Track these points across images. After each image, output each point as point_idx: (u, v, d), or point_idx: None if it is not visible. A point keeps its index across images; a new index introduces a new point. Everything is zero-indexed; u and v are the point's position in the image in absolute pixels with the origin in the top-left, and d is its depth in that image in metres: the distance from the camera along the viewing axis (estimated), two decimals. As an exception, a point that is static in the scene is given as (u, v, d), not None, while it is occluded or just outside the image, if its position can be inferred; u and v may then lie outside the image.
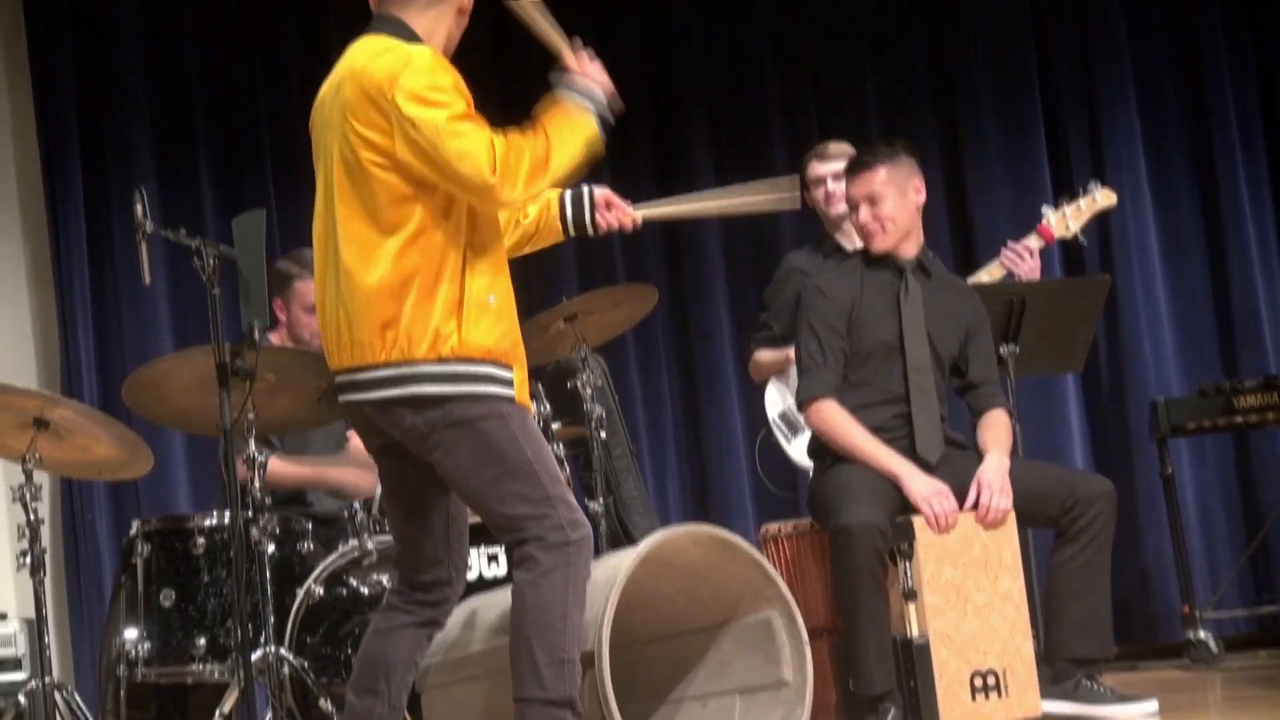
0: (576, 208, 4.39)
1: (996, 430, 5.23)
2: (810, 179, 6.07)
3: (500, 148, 3.86)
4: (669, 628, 4.87)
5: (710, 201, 4.79)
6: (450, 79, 3.91)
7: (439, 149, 3.84)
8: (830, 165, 6.01)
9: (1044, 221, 6.05)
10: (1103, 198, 6.12)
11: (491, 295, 3.96)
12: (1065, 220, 6.06)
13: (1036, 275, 5.99)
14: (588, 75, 4.09)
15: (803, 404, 5.25)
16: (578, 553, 3.92)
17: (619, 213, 4.44)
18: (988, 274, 6.04)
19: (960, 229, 7.92)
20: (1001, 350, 5.68)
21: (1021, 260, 5.95)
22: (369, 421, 4.05)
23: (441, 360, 3.89)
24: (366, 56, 3.97)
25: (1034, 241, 6.00)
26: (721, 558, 4.69)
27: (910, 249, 5.33)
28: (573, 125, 4.02)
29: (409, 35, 4.02)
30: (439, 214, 3.93)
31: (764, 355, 6.16)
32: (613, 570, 4.43)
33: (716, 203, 4.76)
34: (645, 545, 4.51)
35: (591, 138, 4.04)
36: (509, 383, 3.97)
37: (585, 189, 4.37)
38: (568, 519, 3.93)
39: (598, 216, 4.39)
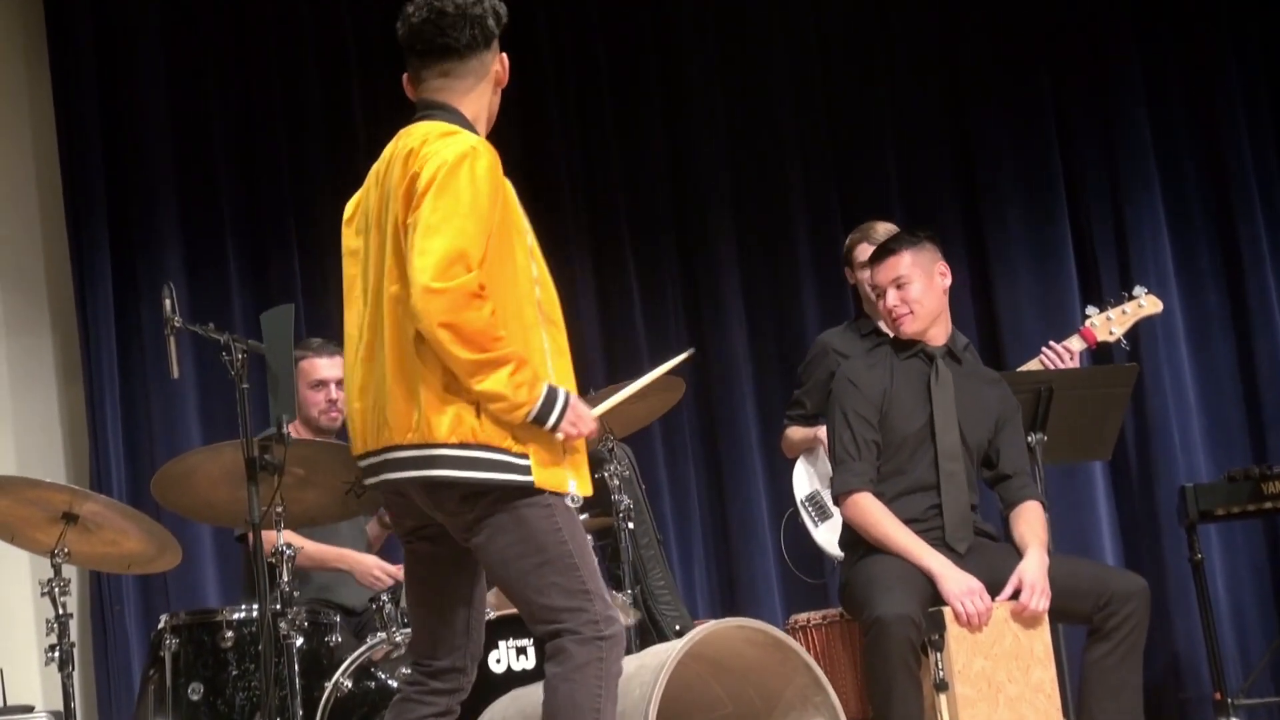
0: (547, 407, 3.94)
1: (1033, 525, 5.21)
2: (856, 260, 6.06)
3: (464, 278, 3.78)
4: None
5: (644, 380, 4.70)
6: (477, 191, 3.87)
7: (414, 237, 3.82)
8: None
9: (1087, 324, 6.05)
10: (1149, 304, 6.10)
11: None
12: (1110, 324, 6.05)
13: None
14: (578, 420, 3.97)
15: (839, 498, 5.24)
16: (611, 648, 3.90)
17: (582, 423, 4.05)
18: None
19: (986, 319, 7.93)
20: (1030, 439, 5.64)
21: (1061, 361, 5.93)
22: (405, 502, 4.04)
23: (493, 449, 3.87)
24: (425, 135, 3.96)
25: (1076, 344, 5.98)
26: (774, 658, 4.67)
27: (939, 335, 5.33)
28: (529, 381, 3.86)
29: (460, 120, 4.04)
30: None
31: (795, 433, 6.16)
32: (664, 654, 4.41)
33: (648, 379, 4.70)
34: (698, 633, 4.48)
35: (512, 406, 3.84)
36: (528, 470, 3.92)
37: (563, 393, 3.96)
38: (603, 614, 3.91)
39: (564, 423, 3.95)
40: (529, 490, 3.89)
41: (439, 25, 4.03)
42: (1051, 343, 6.00)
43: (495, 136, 4.17)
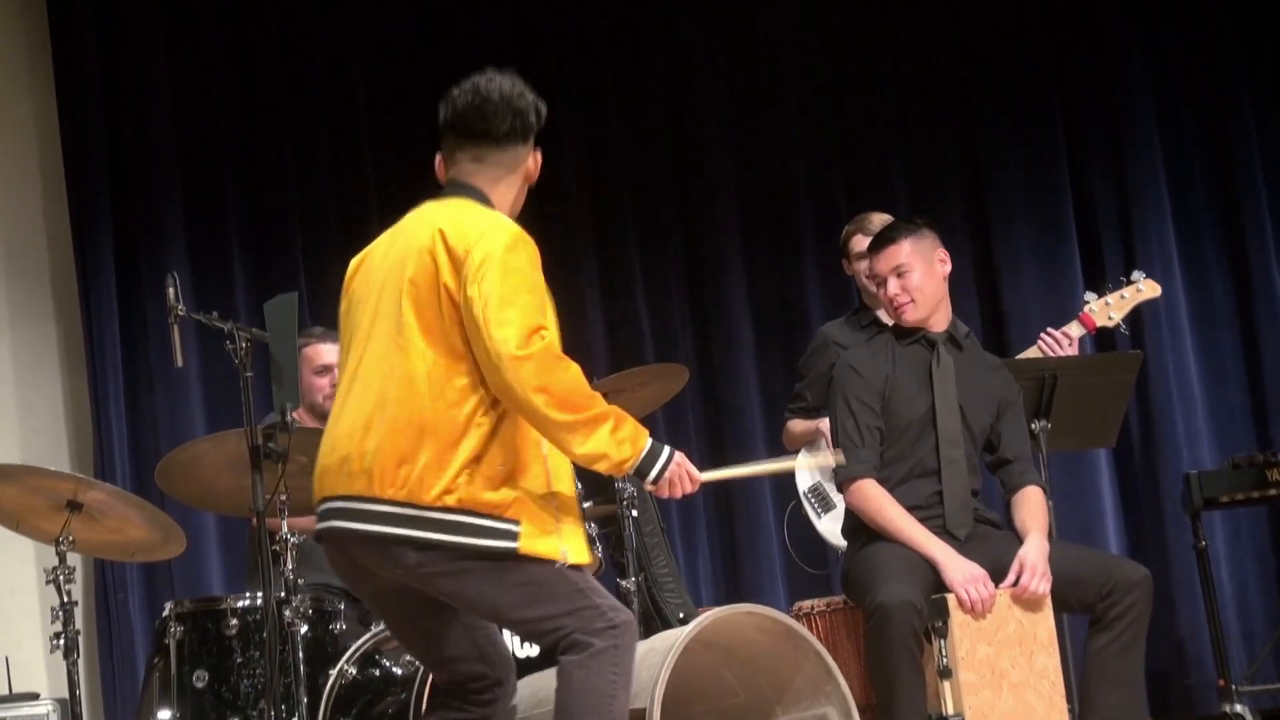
0: (649, 461, 3.95)
1: (1034, 510, 5.21)
2: (852, 251, 6.06)
3: (548, 339, 3.80)
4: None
5: (764, 466, 5.07)
6: (535, 274, 3.88)
7: (487, 310, 3.79)
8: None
9: (1086, 309, 6.03)
10: (1147, 288, 6.09)
11: (502, 465, 3.87)
12: (1108, 309, 6.04)
13: None
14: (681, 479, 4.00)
15: (842, 485, 5.25)
16: (624, 633, 3.86)
17: (685, 482, 4.07)
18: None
19: (990, 308, 7.93)
20: (1034, 426, 5.64)
21: (1060, 347, 5.92)
22: (357, 566, 3.95)
23: (481, 514, 3.81)
24: (451, 219, 3.94)
25: (1075, 329, 5.97)
26: (784, 646, 4.67)
27: (940, 322, 5.33)
28: (631, 436, 3.88)
29: (489, 205, 4.04)
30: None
31: (797, 425, 6.15)
32: (673, 638, 4.41)
33: (769, 467, 5.02)
34: (708, 617, 4.48)
35: (616, 463, 3.86)
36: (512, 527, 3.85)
37: (668, 450, 3.98)
38: (608, 605, 3.88)
39: (661, 483, 3.98)
40: (511, 555, 3.81)
41: (482, 111, 4.04)
42: (1050, 329, 6.00)
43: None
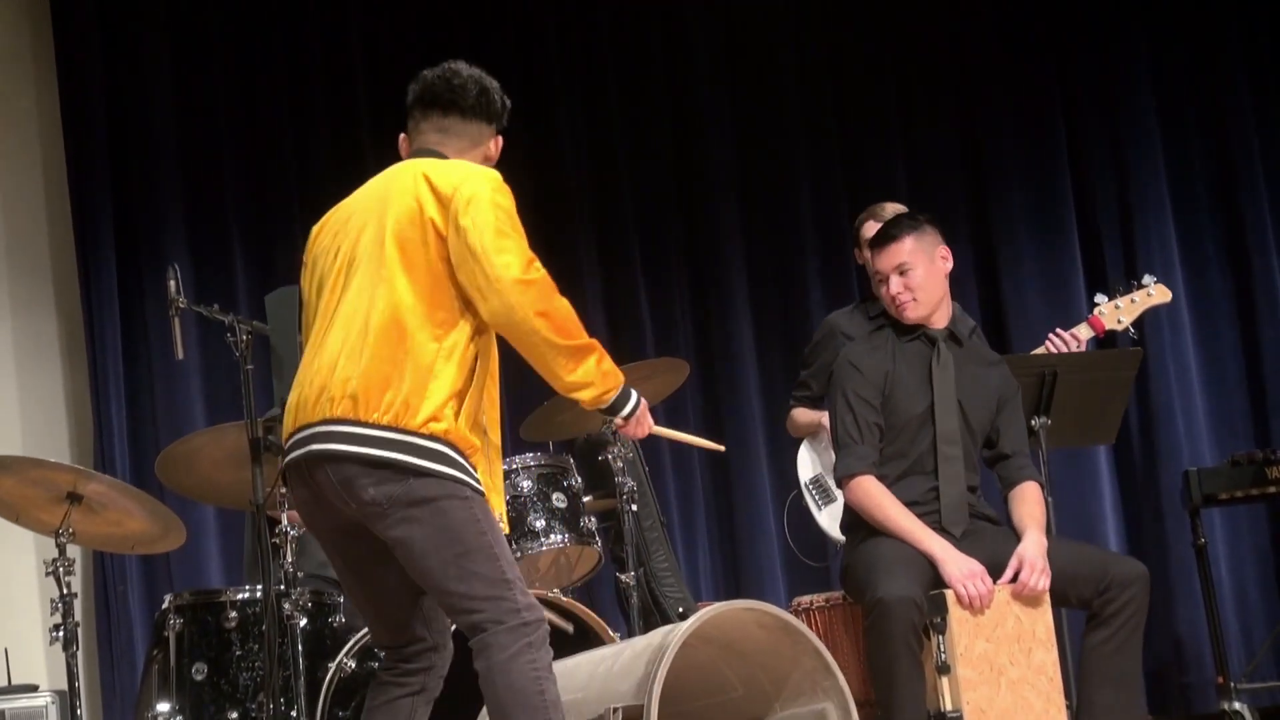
0: (623, 398, 4.12)
1: (1031, 506, 5.21)
2: (864, 239, 6.06)
3: (542, 273, 3.92)
4: (730, 717, 4.84)
5: (702, 441, 4.89)
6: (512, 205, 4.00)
7: (484, 239, 3.88)
8: None
9: (1096, 312, 6.02)
10: (1158, 293, 6.06)
11: (477, 407, 3.99)
12: (1118, 313, 6.03)
13: None
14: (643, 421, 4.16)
15: (841, 481, 5.24)
16: (536, 631, 3.90)
17: (645, 426, 4.25)
18: None
19: (991, 304, 7.93)
20: (1033, 423, 5.64)
21: (1067, 349, 5.91)
22: (317, 498, 3.99)
23: (429, 437, 3.88)
24: (433, 164, 4.06)
25: (1084, 332, 5.96)
26: (783, 642, 4.66)
27: (941, 319, 5.32)
28: (613, 370, 4.02)
29: None
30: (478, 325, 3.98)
31: (801, 414, 6.15)
32: (672, 632, 4.42)
33: (707, 444, 4.87)
34: (707, 613, 4.49)
35: (600, 393, 4.00)
36: (476, 480, 3.95)
37: (635, 393, 4.16)
38: (524, 603, 3.91)
39: (631, 421, 4.16)
40: (456, 482, 3.88)
41: (450, 83, 4.19)
42: (1058, 330, 5.98)
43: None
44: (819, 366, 6.05)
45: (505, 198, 3.96)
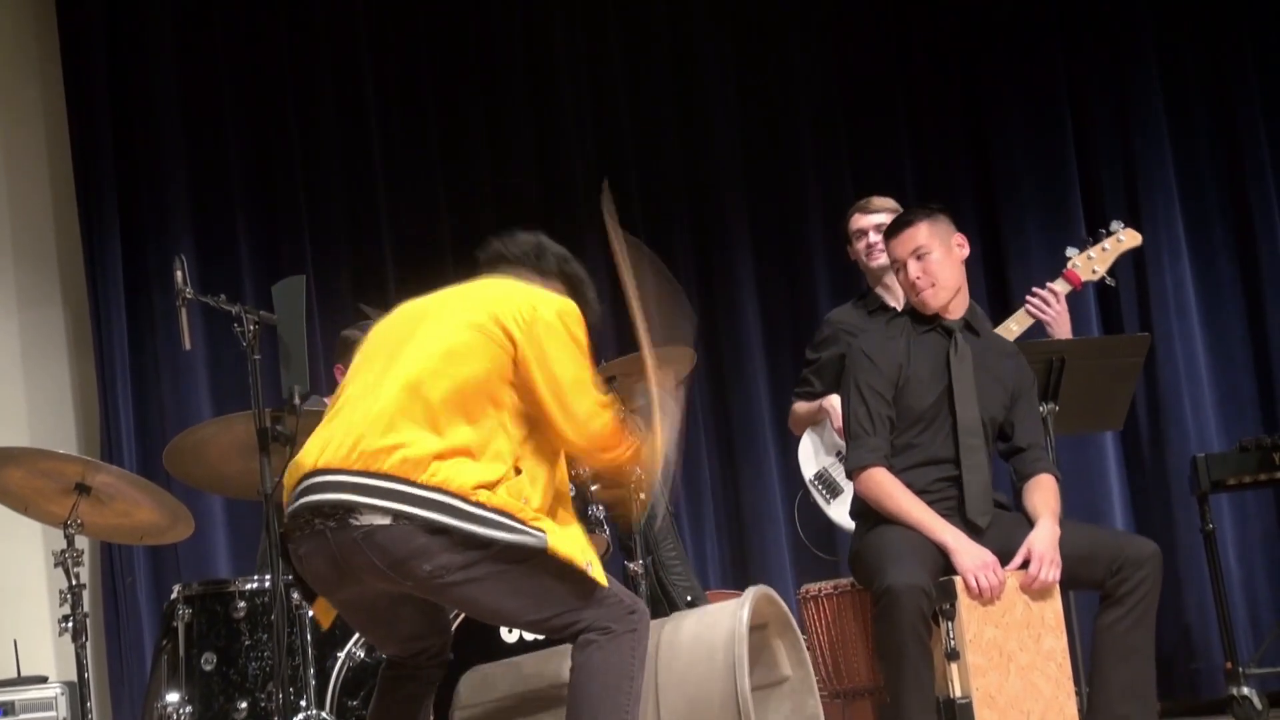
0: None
1: (1046, 496, 5.19)
2: (853, 231, 6.07)
3: (609, 421, 4.07)
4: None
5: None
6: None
7: (572, 399, 3.97)
8: (873, 218, 6.03)
9: (1070, 265, 5.99)
10: (1127, 237, 6.02)
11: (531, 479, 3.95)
12: (1091, 263, 6.00)
13: (1065, 321, 5.91)
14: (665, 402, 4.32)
15: (852, 472, 5.23)
16: (642, 620, 3.91)
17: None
18: (1016, 323, 5.96)
19: (999, 299, 7.90)
20: (1041, 409, 5.64)
21: (1047, 306, 5.89)
22: (330, 564, 3.86)
23: (506, 514, 3.81)
24: (510, 283, 4.18)
25: (1060, 286, 5.93)
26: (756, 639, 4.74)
27: (958, 309, 5.30)
28: (639, 452, 4.22)
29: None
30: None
31: (802, 407, 6.15)
32: (723, 617, 4.49)
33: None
34: (752, 596, 4.53)
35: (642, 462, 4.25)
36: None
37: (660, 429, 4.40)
38: (627, 596, 3.93)
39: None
40: (536, 552, 3.82)
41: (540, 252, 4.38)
42: (1035, 288, 5.96)
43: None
44: (821, 364, 6.06)
45: (578, 327, 4.06)
